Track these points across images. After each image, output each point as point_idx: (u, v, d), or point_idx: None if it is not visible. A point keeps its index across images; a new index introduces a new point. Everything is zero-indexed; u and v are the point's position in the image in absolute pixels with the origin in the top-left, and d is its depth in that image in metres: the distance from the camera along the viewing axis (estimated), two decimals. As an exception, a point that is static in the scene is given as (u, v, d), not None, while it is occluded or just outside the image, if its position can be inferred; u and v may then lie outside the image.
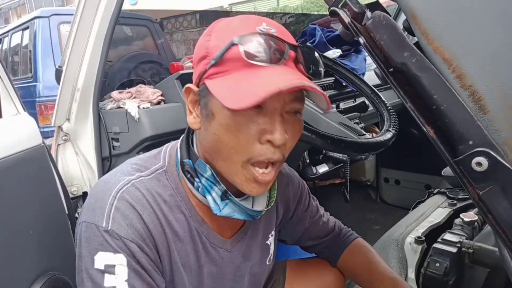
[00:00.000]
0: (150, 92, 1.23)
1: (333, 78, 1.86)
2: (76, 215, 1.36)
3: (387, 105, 1.31)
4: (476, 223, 1.42)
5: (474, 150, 0.51)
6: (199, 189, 0.71)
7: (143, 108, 1.18)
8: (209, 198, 0.71)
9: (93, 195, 0.69)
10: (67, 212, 1.26)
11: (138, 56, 2.07)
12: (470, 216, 1.42)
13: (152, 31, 3.42)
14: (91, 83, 1.21)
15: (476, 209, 1.55)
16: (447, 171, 1.77)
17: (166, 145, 0.79)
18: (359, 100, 1.56)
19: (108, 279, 0.63)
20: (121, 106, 1.22)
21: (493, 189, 0.50)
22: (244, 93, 0.59)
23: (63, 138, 1.30)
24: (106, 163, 1.30)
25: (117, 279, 0.64)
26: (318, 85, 1.75)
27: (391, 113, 1.26)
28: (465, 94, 0.52)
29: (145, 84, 1.34)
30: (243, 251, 0.82)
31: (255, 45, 0.62)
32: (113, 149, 1.27)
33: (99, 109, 1.25)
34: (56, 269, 1.16)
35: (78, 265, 0.67)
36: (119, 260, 0.64)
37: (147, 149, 1.24)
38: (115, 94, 1.25)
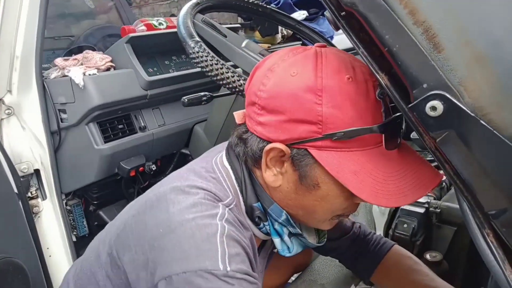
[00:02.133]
0: (98, 58, 1.14)
1: (300, 42, 1.80)
2: (29, 193, 1.29)
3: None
4: (444, 183, 1.42)
5: (428, 94, 0.46)
6: (264, 229, 0.70)
7: (89, 75, 1.09)
8: (276, 240, 0.70)
9: (185, 242, 0.57)
10: (16, 192, 1.18)
11: (102, 29, 1.96)
12: (438, 176, 1.41)
13: (117, 4, 3.24)
14: (30, 49, 1.10)
15: (444, 170, 1.55)
16: (415, 134, 1.76)
17: (220, 166, 0.70)
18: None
19: None
20: (66, 74, 1.13)
21: (449, 135, 0.46)
22: (385, 190, 0.58)
23: (6, 112, 1.20)
24: (56, 137, 1.21)
25: None
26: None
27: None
28: (418, 31, 0.47)
29: (94, 50, 1.24)
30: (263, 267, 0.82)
31: (392, 134, 0.61)
32: (61, 122, 1.18)
33: (43, 79, 1.15)
34: (6, 252, 1.09)
35: None
36: None
37: (96, 119, 1.15)
38: (59, 61, 1.15)
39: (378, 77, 0.53)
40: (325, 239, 0.77)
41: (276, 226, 0.69)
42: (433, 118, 0.46)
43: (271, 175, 0.64)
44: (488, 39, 0.43)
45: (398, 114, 0.61)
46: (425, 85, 0.46)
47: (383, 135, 0.59)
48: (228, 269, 0.56)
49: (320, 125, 0.57)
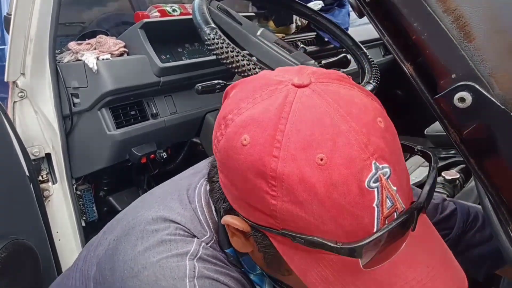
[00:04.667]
0: (112, 43, 1.13)
1: (315, 33, 1.77)
2: (40, 177, 1.29)
3: (369, 57, 1.24)
4: (457, 181, 1.40)
5: (457, 85, 0.45)
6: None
7: (103, 59, 1.08)
8: None
9: None
10: (27, 174, 1.18)
11: (115, 15, 1.94)
12: (451, 174, 1.40)
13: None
14: (45, 32, 1.10)
15: (458, 167, 1.53)
16: (429, 129, 1.74)
17: (202, 194, 0.57)
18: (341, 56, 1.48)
19: None
20: (80, 58, 1.12)
21: (477, 128, 0.45)
22: None
23: (19, 95, 1.19)
24: (68, 121, 1.21)
25: None
26: (299, 40, 1.66)
27: (373, 65, 1.19)
28: (448, 19, 0.45)
29: (108, 35, 1.23)
30: None
31: (380, 254, 0.42)
32: (74, 106, 1.18)
33: (56, 62, 1.14)
34: (17, 233, 1.10)
35: None
36: None
37: (108, 104, 1.15)
38: (73, 45, 1.14)
39: (403, 66, 0.51)
40: None
41: (252, 277, 0.57)
42: (461, 109, 0.44)
43: (239, 242, 0.50)
44: (523, 28, 0.42)
45: (402, 215, 0.42)
46: (453, 76, 0.45)
47: (361, 263, 0.42)
48: None
49: (278, 220, 0.43)
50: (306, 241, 0.41)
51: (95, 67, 1.06)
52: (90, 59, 1.05)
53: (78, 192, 1.33)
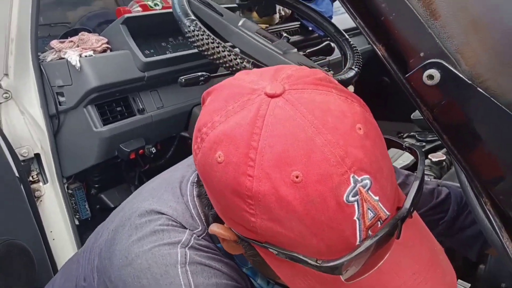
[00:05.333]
0: (94, 40, 1.13)
1: (299, 23, 1.77)
2: (30, 178, 1.29)
3: (351, 43, 1.25)
4: (444, 163, 1.42)
5: (425, 63, 0.46)
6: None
7: (85, 56, 1.08)
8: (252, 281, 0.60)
9: (143, 277, 0.51)
10: (17, 176, 1.18)
11: (99, 15, 1.93)
12: (438, 156, 1.42)
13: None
14: (25, 32, 1.09)
15: (444, 149, 1.55)
16: (415, 114, 1.76)
17: (193, 188, 0.58)
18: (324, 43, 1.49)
19: None
20: (63, 56, 1.12)
21: (447, 104, 0.46)
22: None
23: (4, 96, 1.19)
24: (55, 121, 1.21)
25: None
26: (283, 30, 1.67)
27: (355, 51, 1.20)
28: (414, -2, 0.46)
29: (90, 32, 1.23)
30: None
31: (357, 263, 0.42)
32: (60, 105, 1.18)
33: (39, 62, 1.14)
34: (10, 234, 1.10)
35: None
36: None
37: (94, 101, 1.15)
38: (55, 43, 1.14)
39: (375, 47, 0.52)
40: None
41: (245, 270, 0.57)
42: (430, 87, 0.45)
43: (229, 246, 0.51)
44: (484, 3, 0.43)
45: (383, 229, 0.41)
46: (422, 54, 0.46)
47: (343, 278, 0.42)
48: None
49: (259, 235, 0.43)
50: (288, 256, 0.41)
51: (78, 64, 1.06)
52: (72, 56, 1.04)
53: (70, 191, 1.34)
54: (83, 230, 1.34)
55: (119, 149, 1.24)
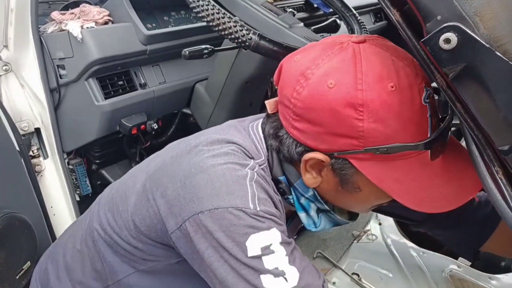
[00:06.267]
0: (96, 12, 1.11)
1: (303, -1, 1.74)
2: (30, 152, 1.28)
3: (359, 18, 1.23)
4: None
5: (442, 26, 0.44)
6: (289, 201, 0.69)
7: (87, 28, 1.06)
8: (302, 214, 0.69)
9: (216, 181, 0.59)
10: (18, 149, 1.17)
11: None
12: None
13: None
14: (25, 2, 1.06)
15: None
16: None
17: (255, 131, 0.70)
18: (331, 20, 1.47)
19: (267, 261, 0.57)
20: (64, 28, 1.10)
21: (463, 69, 0.44)
22: (430, 197, 0.58)
23: (4, 68, 1.17)
24: (55, 94, 1.19)
25: (277, 257, 0.58)
26: (288, 6, 1.64)
27: (362, 27, 1.18)
28: (433, -41, 0.44)
29: (91, 4, 1.20)
30: None
31: (439, 145, 0.58)
32: (60, 78, 1.16)
33: (39, 33, 1.12)
34: (11, 208, 1.10)
35: (211, 259, 0.59)
36: (274, 237, 0.58)
37: (95, 74, 1.13)
38: (56, 14, 1.12)
39: (390, 13, 0.51)
40: (358, 215, 0.76)
41: (302, 201, 0.68)
42: (446, 51, 0.44)
43: (311, 178, 0.64)
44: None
45: (445, 122, 0.59)
46: (439, 17, 0.44)
47: (430, 155, 0.58)
48: (258, 208, 0.58)
49: (362, 140, 0.56)
50: (389, 149, 0.56)
51: (80, 36, 1.04)
52: (74, 28, 1.02)
53: (70, 167, 1.33)
54: (83, 206, 1.33)
55: (120, 124, 1.23)
